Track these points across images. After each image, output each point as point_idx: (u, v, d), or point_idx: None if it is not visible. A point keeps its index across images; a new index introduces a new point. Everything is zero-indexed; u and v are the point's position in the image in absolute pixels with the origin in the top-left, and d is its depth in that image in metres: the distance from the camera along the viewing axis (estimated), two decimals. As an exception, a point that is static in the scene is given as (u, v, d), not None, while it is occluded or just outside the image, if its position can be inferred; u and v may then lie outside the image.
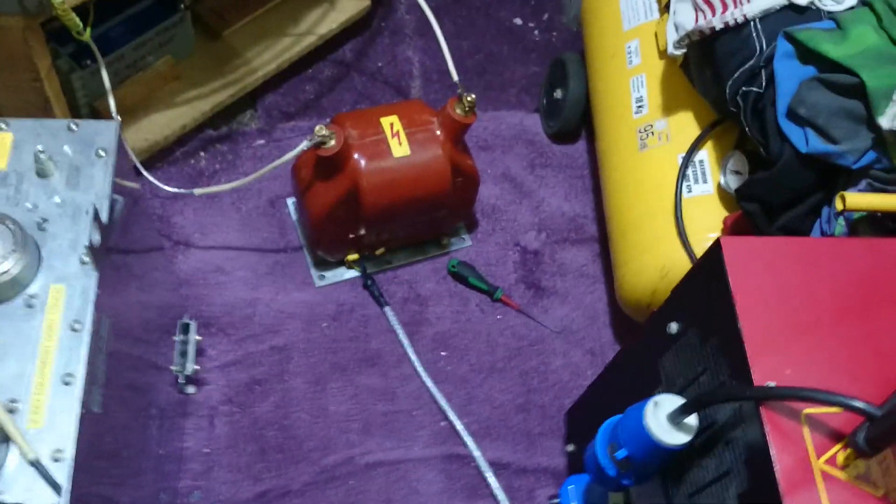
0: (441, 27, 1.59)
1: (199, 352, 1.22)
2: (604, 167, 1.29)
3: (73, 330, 0.71)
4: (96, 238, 0.73)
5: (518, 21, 1.64)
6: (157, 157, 1.36)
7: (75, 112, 1.28)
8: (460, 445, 1.21)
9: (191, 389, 1.20)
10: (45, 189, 0.77)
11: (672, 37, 1.09)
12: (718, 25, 1.00)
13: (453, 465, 1.20)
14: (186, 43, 1.38)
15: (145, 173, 1.20)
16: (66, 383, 0.69)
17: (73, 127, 0.81)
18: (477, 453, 1.20)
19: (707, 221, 1.11)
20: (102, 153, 0.80)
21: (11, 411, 0.67)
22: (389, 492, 1.17)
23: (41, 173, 0.77)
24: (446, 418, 1.23)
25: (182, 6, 1.31)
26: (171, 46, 1.35)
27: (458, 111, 1.17)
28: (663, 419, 0.75)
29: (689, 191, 1.13)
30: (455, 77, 1.17)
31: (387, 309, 1.30)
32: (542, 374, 1.29)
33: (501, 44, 1.61)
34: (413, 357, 1.27)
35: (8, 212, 0.74)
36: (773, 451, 0.67)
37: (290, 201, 1.37)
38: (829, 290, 0.74)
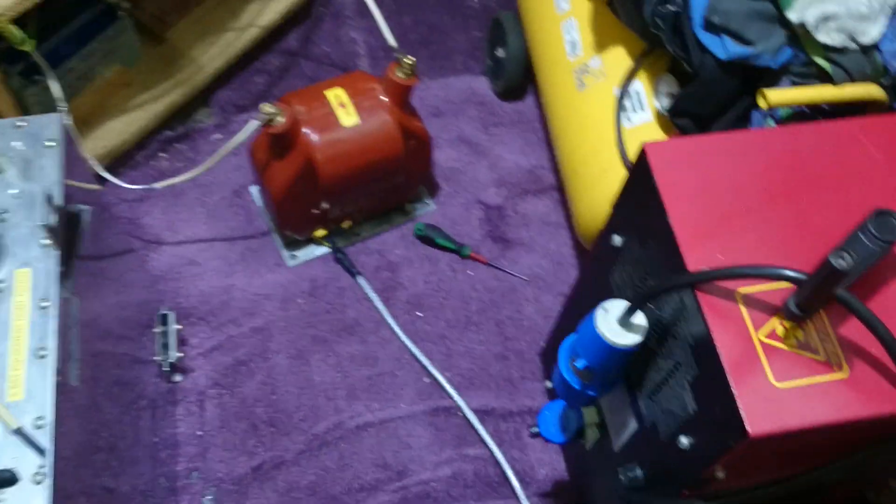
0: (380, 5, 1.64)
1: (182, 342, 1.26)
2: (548, 114, 1.33)
3: (42, 308, 0.75)
4: (53, 219, 0.77)
5: (456, -10, 1.68)
6: (119, 163, 1.40)
7: (32, 128, 1.32)
8: (445, 398, 1.25)
9: (178, 377, 1.24)
10: (1, 184, 0.81)
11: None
12: (631, -46, 1.04)
13: (440, 418, 1.24)
14: (132, 49, 1.41)
15: (105, 174, 1.23)
16: (41, 356, 0.73)
17: (20, 124, 0.84)
18: (461, 403, 1.24)
19: (650, 148, 1.14)
20: (51, 143, 0.83)
21: (-10, 387, 0.71)
22: (381, 449, 1.20)
23: (-6, 169, 0.81)
24: (429, 375, 1.27)
25: (119, 13, 1.35)
26: (117, 55, 1.38)
27: (400, 74, 1.21)
28: (614, 323, 0.79)
29: (629, 121, 1.17)
30: (392, 42, 1.21)
31: (359, 278, 1.34)
32: (516, 321, 1.33)
33: (441, 14, 1.65)
34: (390, 320, 1.30)
35: (-34, 207, 0.78)
36: (714, 333, 0.71)
37: (254, 189, 1.41)
38: (755, 179, 0.78)
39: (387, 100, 1.22)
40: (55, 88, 1.18)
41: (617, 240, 0.89)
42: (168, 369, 1.19)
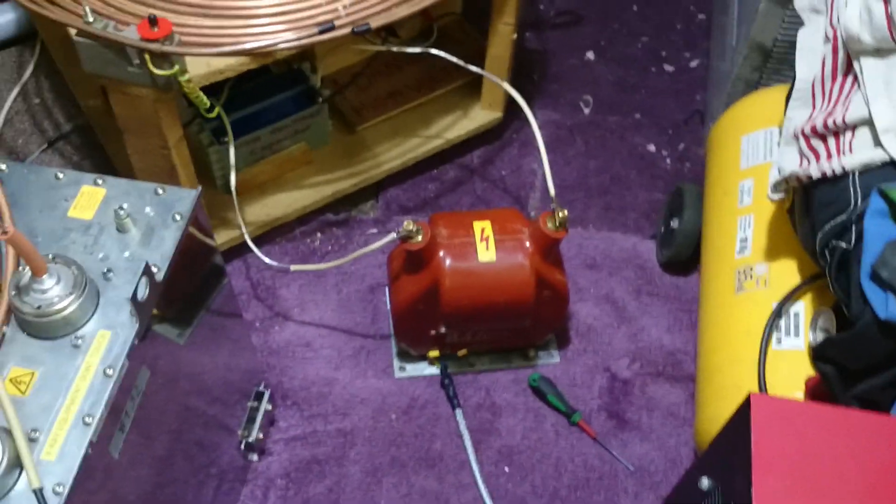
0: (572, 145, 1.63)
1: (270, 422, 1.27)
2: (701, 303, 1.24)
3: (106, 375, 0.77)
4: (142, 292, 0.79)
5: (651, 148, 1.63)
6: (277, 232, 1.46)
7: (210, 181, 1.41)
8: (503, 568, 1.17)
9: (254, 457, 1.24)
10: (120, 243, 0.85)
11: (773, 179, 1.04)
12: (816, 174, 0.95)
13: (490, 587, 1.15)
14: (322, 134, 1.48)
15: (252, 245, 1.28)
16: (86, 423, 0.74)
17: (160, 191, 0.89)
18: (517, 580, 1.15)
19: (792, 378, 1.03)
20: (178, 217, 0.87)
21: (32, 440, 0.73)
22: None
23: (120, 228, 0.85)
24: (495, 537, 1.19)
25: (320, 99, 1.42)
26: (307, 135, 1.45)
27: (550, 225, 1.17)
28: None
29: (779, 342, 1.06)
30: (552, 191, 1.18)
31: (458, 411, 1.29)
32: (605, 510, 1.22)
33: (630, 168, 1.60)
34: (475, 466, 1.24)
35: (80, 258, 0.82)
36: None
37: (388, 291, 1.41)
38: (856, 467, 0.66)
39: (530, 246, 1.19)
40: (231, 155, 1.26)
41: (705, 483, 0.79)
42: (246, 447, 1.20)
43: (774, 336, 1.07)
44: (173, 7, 1.11)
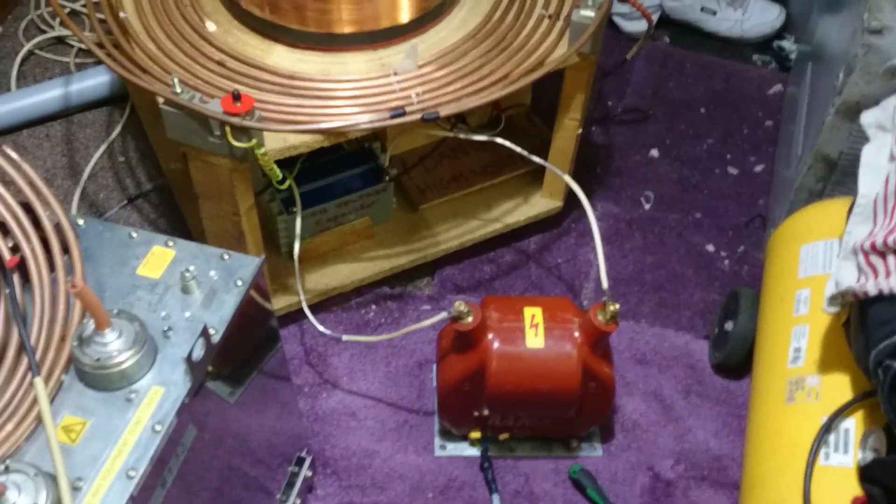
0: (630, 239, 1.64)
1: (309, 488, 1.28)
2: (750, 409, 1.22)
3: (154, 431, 0.80)
4: (198, 352, 0.83)
5: (710, 248, 1.63)
6: (333, 302, 1.49)
7: (275, 247, 1.46)
8: None
9: (289, 522, 1.25)
10: (182, 303, 0.89)
11: (829, 292, 1.04)
12: (872, 291, 0.94)
13: None
14: (386, 211, 1.52)
15: (308, 312, 1.32)
16: (129, 477, 0.77)
17: (226, 257, 0.93)
18: None
19: (838, 496, 1.00)
20: (240, 283, 0.91)
21: (75, 488, 0.76)
22: None
23: (184, 290, 0.89)
24: None
25: (387, 178, 1.47)
26: (371, 209, 1.50)
27: (601, 317, 1.18)
28: None
29: (827, 458, 1.03)
30: (605, 284, 1.19)
31: (495, 497, 1.28)
32: None
33: (687, 266, 1.60)
34: (507, 555, 1.23)
35: (144, 315, 0.86)
36: None
37: (435, 368, 1.43)
38: None
39: (579, 336, 1.20)
40: (298, 225, 1.31)
41: None
42: (282, 511, 1.21)
43: (822, 451, 1.04)
44: (256, 84, 1.18)
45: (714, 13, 1.98)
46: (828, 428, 1.05)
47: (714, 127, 1.83)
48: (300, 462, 1.24)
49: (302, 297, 1.33)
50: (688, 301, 1.55)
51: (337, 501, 1.28)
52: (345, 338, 1.32)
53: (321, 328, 1.32)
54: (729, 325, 1.42)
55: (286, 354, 1.42)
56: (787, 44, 1.96)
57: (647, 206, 1.68)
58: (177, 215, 1.58)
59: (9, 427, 0.78)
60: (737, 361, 1.41)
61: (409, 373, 1.43)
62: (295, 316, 1.43)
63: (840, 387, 1.09)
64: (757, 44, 2.00)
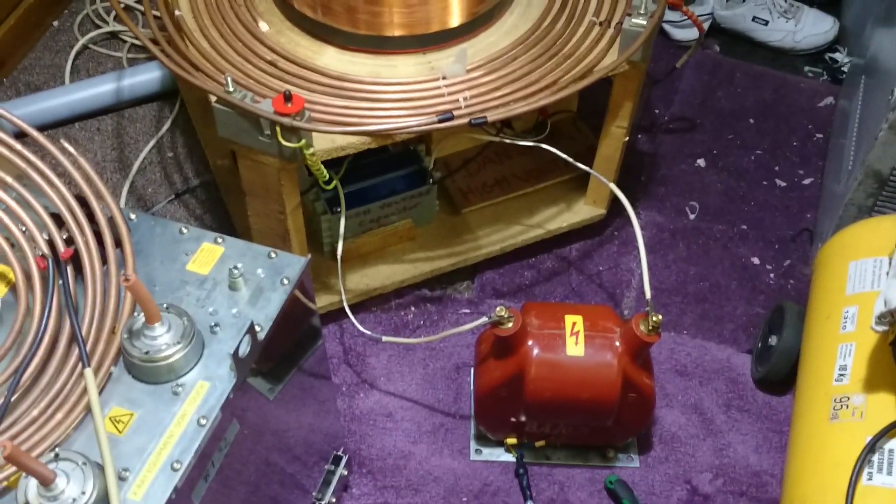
0: (674, 249, 1.62)
1: (344, 487, 1.29)
2: (792, 426, 1.21)
3: (199, 425, 0.81)
4: (244, 349, 0.84)
5: (756, 261, 1.61)
6: (374, 302, 1.50)
7: (317, 246, 1.47)
8: None
9: (323, 520, 1.26)
10: (230, 300, 0.90)
11: (878, 311, 1.02)
12: (923, 310, 0.93)
13: None
14: (429, 213, 1.53)
15: (349, 312, 1.33)
16: (174, 469, 0.78)
17: (273, 255, 0.94)
18: None
19: (881, 519, 0.98)
20: (286, 281, 0.92)
21: (121, 479, 0.77)
22: None
23: (232, 286, 0.91)
24: None
25: (431, 180, 1.47)
26: (414, 213, 1.50)
27: (642, 328, 1.17)
28: None
29: (870, 478, 1.02)
30: (648, 294, 1.18)
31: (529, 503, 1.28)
32: None
33: (731, 278, 1.58)
34: (540, 562, 1.23)
35: (192, 310, 0.87)
36: None
37: (473, 372, 1.43)
38: None
39: (620, 346, 1.19)
40: (342, 225, 1.32)
41: None
42: (317, 509, 1.22)
43: (866, 471, 1.02)
44: (307, 85, 1.19)
45: (766, 23, 1.95)
46: (872, 448, 1.03)
47: (762, 138, 1.81)
48: (336, 461, 1.25)
49: (343, 297, 1.34)
50: (731, 314, 1.53)
51: (372, 501, 1.29)
52: (384, 339, 1.33)
53: (361, 328, 1.33)
54: (773, 340, 1.40)
55: (326, 353, 1.43)
56: (840, 56, 1.93)
57: (691, 217, 1.67)
58: (222, 211, 1.61)
59: (59, 416, 0.80)
60: (780, 376, 1.39)
61: (447, 376, 1.43)
62: (335, 315, 1.44)
63: (885, 406, 1.07)
64: (808, 55, 1.98)
